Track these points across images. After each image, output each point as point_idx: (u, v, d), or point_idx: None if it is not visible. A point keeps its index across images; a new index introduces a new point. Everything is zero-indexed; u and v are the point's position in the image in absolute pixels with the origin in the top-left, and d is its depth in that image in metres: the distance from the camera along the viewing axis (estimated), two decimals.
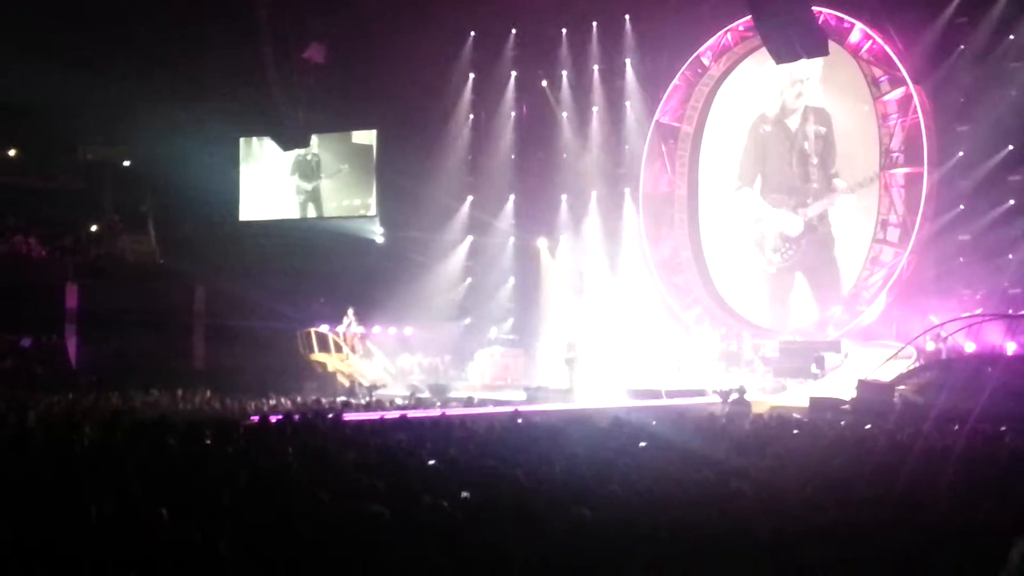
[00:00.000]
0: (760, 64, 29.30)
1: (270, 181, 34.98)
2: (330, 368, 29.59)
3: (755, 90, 30.58)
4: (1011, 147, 25.85)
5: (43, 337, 29.98)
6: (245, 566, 5.83)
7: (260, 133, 32.72)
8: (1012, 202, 25.92)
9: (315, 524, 6.64)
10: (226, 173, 34.39)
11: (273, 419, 14.56)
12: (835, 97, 29.32)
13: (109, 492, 7.34)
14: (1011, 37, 25.81)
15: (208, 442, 11.02)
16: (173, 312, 31.64)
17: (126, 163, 33.93)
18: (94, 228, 33.41)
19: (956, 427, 12.98)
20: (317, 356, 29.83)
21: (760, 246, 30.67)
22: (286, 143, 31.34)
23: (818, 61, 27.07)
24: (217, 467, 8.82)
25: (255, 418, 15.73)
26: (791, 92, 29.96)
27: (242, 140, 34.72)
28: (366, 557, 5.68)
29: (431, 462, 9.30)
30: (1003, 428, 12.46)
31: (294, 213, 34.93)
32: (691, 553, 6.10)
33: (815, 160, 29.72)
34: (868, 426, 14.31)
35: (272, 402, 23.72)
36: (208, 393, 24.89)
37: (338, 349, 29.80)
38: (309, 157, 34.27)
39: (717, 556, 6.05)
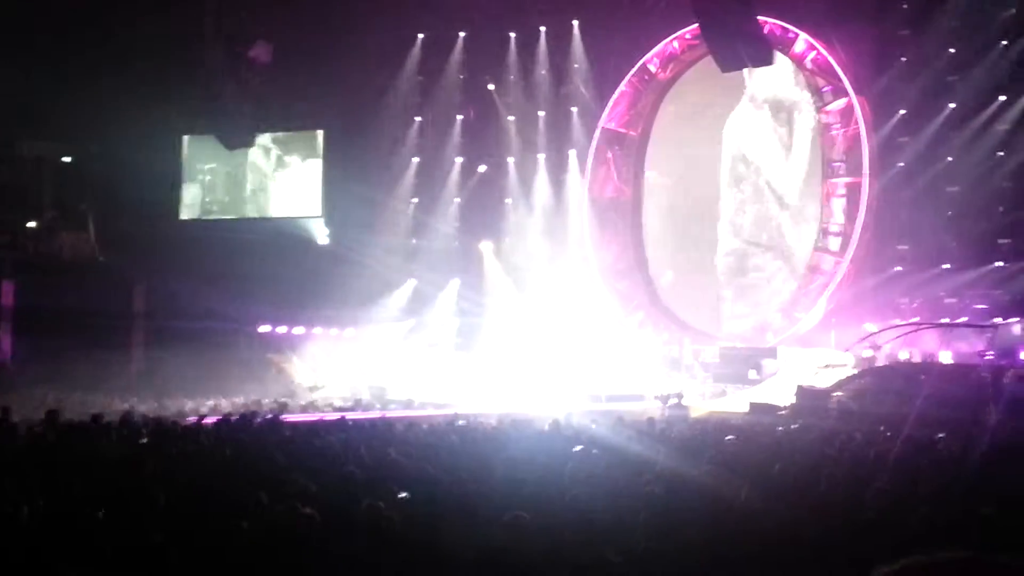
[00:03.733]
0: (706, 72, 29.54)
1: (213, 179, 34.67)
2: (275, 371, 29.52)
3: (701, 97, 30.78)
4: (950, 159, 26.35)
5: None
6: (180, 566, 5.78)
7: (204, 131, 32.37)
8: (950, 213, 26.41)
9: (249, 525, 6.59)
10: (168, 171, 34.00)
11: (211, 420, 14.45)
12: (778, 107, 29.67)
13: (42, 492, 7.25)
14: (951, 50, 26.29)
15: (144, 441, 10.93)
16: (111, 311, 31.21)
17: (66, 159, 33.40)
18: (32, 224, 32.86)
19: (889, 433, 13.15)
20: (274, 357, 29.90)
21: (702, 252, 30.89)
22: (231, 142, 31.04)
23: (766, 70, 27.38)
24: (153, 467, 8.74)
25: (193, 419, 15.59)
26: (741, 100, 30.30)
27: (186, 138, 34.38)
28: (297, 558, 5.66)
29: (370, 463, 9.27)
30: (940, 436, 12.58)
31: (236, 212, 34.62)
32: (625, 557, 6.13)
33: (759, 169, 30.04)
34: (801, 429, 14.48)
35: (211, 402, 23.56)
36: (146, 393, 24.68)
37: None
38: (253, 156, 33.98)
39: (651, 560, 6.08)
